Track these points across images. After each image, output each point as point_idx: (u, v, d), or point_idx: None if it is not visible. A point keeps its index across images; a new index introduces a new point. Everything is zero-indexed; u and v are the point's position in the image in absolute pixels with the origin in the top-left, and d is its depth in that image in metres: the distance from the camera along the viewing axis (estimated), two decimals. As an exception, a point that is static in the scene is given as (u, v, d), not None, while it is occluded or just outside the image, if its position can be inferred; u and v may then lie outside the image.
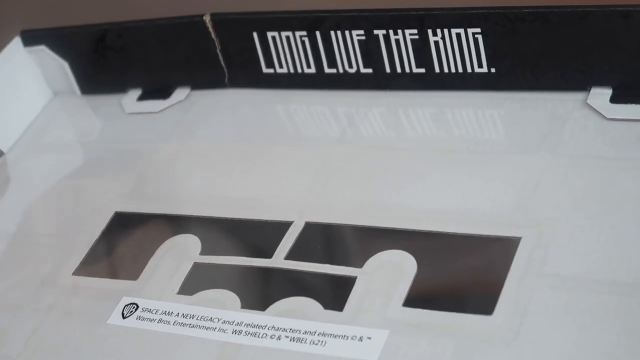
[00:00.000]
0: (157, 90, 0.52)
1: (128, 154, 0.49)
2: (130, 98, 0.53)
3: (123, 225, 0.45)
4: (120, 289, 0.42)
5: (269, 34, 0.48)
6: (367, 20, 0.46)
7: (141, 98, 0.52)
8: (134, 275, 0.42)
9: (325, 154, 0.45)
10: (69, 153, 0.52)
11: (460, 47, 0.44)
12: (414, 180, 0.42)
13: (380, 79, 0.47)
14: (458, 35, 0.44)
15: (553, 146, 0.41)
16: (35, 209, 0.48)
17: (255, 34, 0.48)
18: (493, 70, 0.44)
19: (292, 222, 0.42)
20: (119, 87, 0.53)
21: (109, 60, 0.52)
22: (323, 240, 0.42)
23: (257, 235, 0.43)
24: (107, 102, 0.53)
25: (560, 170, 0.40)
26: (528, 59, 0.43)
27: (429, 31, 0.45)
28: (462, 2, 0.44)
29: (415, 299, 0.37)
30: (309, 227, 0.42)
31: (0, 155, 0.52)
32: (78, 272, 0.44)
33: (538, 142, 0.42)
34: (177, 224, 0.44)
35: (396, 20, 0.45)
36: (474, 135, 0.45)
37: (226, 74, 0.50)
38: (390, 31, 0.45)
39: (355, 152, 0.45)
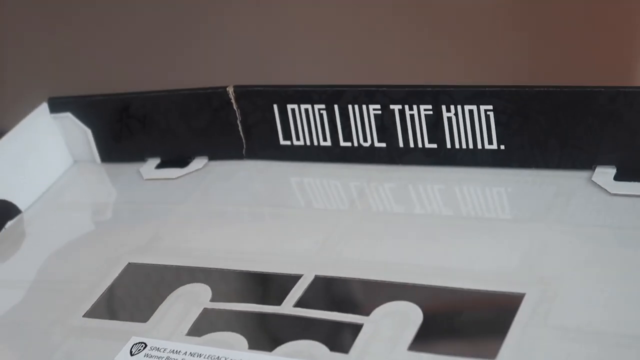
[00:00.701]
0: (175, 159, 0.54)
1: (143, 214, 0.51)
2: (149, 166, 0.54)
3: (136, 274, 0.46)
4: (130, 330, 0.43)
5: (289, 107, 0.50)
6: (384, 94, 0.48)
7: (159, 166, 0.54)
8: (143, 318, 0.43)
9: (335, 220, 0.47)
10: (85, 212, 0.53)
11: (472, 124, 0.46)
12: (422, 242, 0.44)
13: (393, 154, 0.49)
14: (471, 111, 0.46)
15: (558, 216, 0.43)
16: (51, 260, 0.49)
17: (275, 106, 0.51)
18: (502, 147, 0.46)
19: (302, 275, 0.43)
20: (139, 156, 0.55)
21: (131, 129, 0.54)
22: (331, 291, 0.43)
23: (267, 286, 0.44)
24: (126, 170, 0.55)
25: (565, 237, 0.41)
26: (536, 137, 0.45)
27: (443, 107, 0.47)
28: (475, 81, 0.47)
29: (420, 344, 0.38)
30: (318, 279, 0.43)
31: (18, 213, 0.54)
32: (88, 314, 0.44)
33: (544, 213, 0.43)
34: (189, 274, 0.45)
35: (412, 95, 0.47)
36: (482, 209, 0.46)
37: (244, 145, 0.52)
38: (406, 106, 0.48)
39: (365, 220, 0.47)
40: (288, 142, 0.51)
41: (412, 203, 0.48)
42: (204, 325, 0.42)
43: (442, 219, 0.46)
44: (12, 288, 0.48)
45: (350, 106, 0.49)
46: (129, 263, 0.47)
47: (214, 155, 0.53)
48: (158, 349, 0.41)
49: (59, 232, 0.52)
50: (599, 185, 0.44)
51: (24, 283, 0.48)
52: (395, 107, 0.48)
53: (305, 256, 0.44)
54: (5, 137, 0.54)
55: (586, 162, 0.45)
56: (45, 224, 0.53)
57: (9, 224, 0.53)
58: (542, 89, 0.45)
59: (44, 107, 0.56)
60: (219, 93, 0.52)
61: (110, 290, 0.46)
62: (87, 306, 0.45)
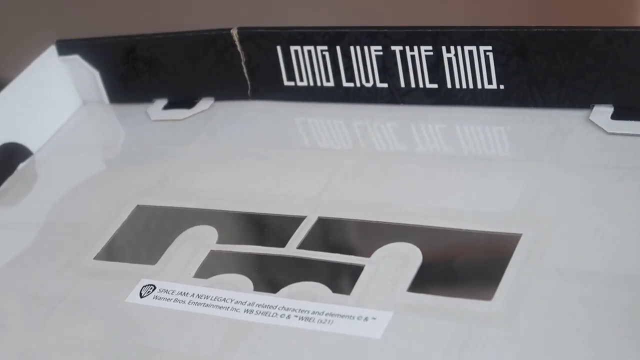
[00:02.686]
0: (182, 100, 0.55)
1: (151, 155, 0.52)
2: (156, 107, 0.55)
3: (144, 217, 0.48)
4: (139, 272, 0.44)
5: (292, 48, 0.51)
6: (385, 36, 0.48)
7: (167, 107, 0.55)
8: (152, 260, 0.44)
9: (338, 160, 0.48)
10: (95, 153, 0.55)
11: (472, 64, 0.47)
12: (422, 183, 0.45)
13: (395, 94, 0.49)
14: (470, 52, 0.47)
15: (556, 155, 0.44)
16: (62, 203, 0.51)
17: (279, 48, 0.51)
18: (502, 87, 0.47)
19: (306, 216, 0.44)
20: (146, 97, 0.56)
21: (137, 71, 0.55)
22: (334, 233, 0.44)
23: (271, 228, 0.45)
24: (134, 110, 0.56)
25: (561, 177, 0.42)
26: (535, 77, 0.46)
27: (443, 48, 0.47)
28: (475, 22, 0.47)
29: (420, 285, 0.39)
30: (321, 221, 0.44)
31: (29, 155, 0.55)
32: (99, 257, 0.46)
33: (542, 152, 0.44)
34: (196, 216, 0.46)
35: (412, 36, 0.48)
36: (481, 148, 0.47)
37: (249, 86, 0.53)
38: (407, 47, 0.48)
39: (367, 159, 0.48)
40: (292, 83, 0.52)
41: (414, 142, 0.49)
42: (210, 267, 0.43)
43: (443, 157, 0.47)
44: (23, 230, 0.50)
45: (352, 47, 0.49)
46: (138, 205, 0.48)
47: (219, 96, 0.54)
48: (167, 291, 0.42)
49: (70, 173, 0.53)
50: (596, 124, 0.44)
51: (36, 225, 0.50)
52: (396, 48, 0.48)
53: (309, 197, 0.45)
54: (15, 81, 0.55)
55: (584, 101, 0.45)
56: (56, 166, 0.54)
57: (21, 165, 0.54)
58: (540, 29, 0.45)
59: (52, 49, 0.57)
60: (223, 35, 0.52)
61: (120, 232, 0.47)
62: (97, 249, 0.46)
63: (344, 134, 0.51)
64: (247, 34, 0.52)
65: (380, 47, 0.49)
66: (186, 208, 0.47)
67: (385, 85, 0.49)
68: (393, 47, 0.48)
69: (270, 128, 0.52)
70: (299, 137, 0.51)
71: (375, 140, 0.49)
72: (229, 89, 0.53)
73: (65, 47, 0.57)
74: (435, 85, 0.48)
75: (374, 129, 0.50)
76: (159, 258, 0.44)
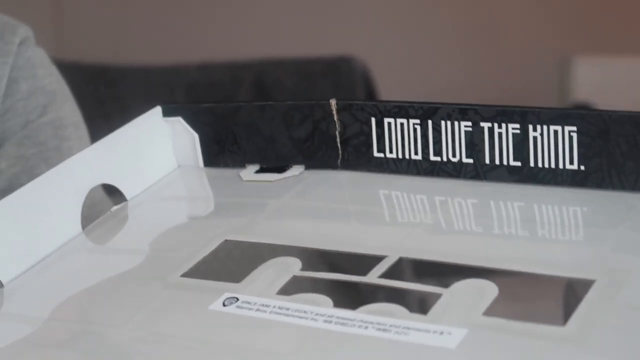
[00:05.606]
0: (273, 167, 0.58)
1: (241, 205, 0.55)
2: (249, 171, 0.59)
3: (230, 248, 0.50)
4: (223, 288, 0.46)
5: (386, 120, 0.54)
6: (476, 112, 0.52)
7: (258, 172, 0.58)
8: (236, 280, 0.47)
9: (416, 228, 0.50)
10: (186, 203, 0.58)
11: (556, 144, 0.50)
12: (502, 240, 0.47)
13: (479, 170, 0.52)
14: (555, 132, 0.50)
15: (632, 224, 0.46)
16: (151, 236, 0.54)
17: (373, 119, 0.55)
18: (582, 167, 0.50)
19: (387, 255, 0.46)
20: (240, 162, 0.59)
21: (235, 136, 0.59)
22: (414, 269, 0.46)
23: (354, 263, 0.47)
24: (227, 173, 0.59)
25: (637, 239, 0.44)
26: (615, 159, 0.49)
27: (530, 126, 0.51)
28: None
29: (495, 311, 0.41)
30: (402, 260, 0.46)
31: (124, 201, 0.58)
32: (186, 275, 0.48)
33: (618, 223, 0.46)
34: (281, 250, 0.49)
35: (502, 114, 0.51)
36: (557, 228, 0.49)
37: (340, 156, 0.56)
38: (495, 124, 0.51)
39: (445, 232, 0.50)
40: (381, 155, 0.55)
41: (492, 222, 0.51)
42: (293, 287, 0.45)
43: (518, 238, 0.49)
44: (111, 254, 0.52)
45: (443, 122, 0.53)
46: (226, 240, 0.51)
47: (310, 164, 0.57)
48: (249, 303, 0.44)
49: (161, 217, 0.56)
50: (671, 205, 0.47)
51: (125, 251, 0.52)
52: (485, 125, 0.52)
53: (390, 242, 0.48)
54: (119, 132, 0.59)
55: (661, 186, 0.48)
56: (148, 211, 0.57)
57: (115, 208, 0.57)
58: (625, 113, 0.48)
59: (158, 109, 0.61)
60: (322, 105, 0.56)
61: (206, 258, 0.49)
62: (185, 269, 0.48)
63: (425, 207, 0.53)
64: (345, 105, 0.56)
65: (470, 123, 0.52)
66: (272, 244, 0.50)
67: (471, 160, 0.52)
68: (482, 124, 0.52)
69: (354, 197, 0.55)
70: (380, 208, 0.54)
71: (453, 217, 0.52)
72: (321, 157, 0.57)
73: (170, 110, 0.61)
74: (518, 163, 0.51)
75: (454, 204, 0.52)
76: (243, 279, 0.47)
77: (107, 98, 1.78)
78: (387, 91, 1.94)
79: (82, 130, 0.96)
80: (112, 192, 0.59)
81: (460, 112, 0.52)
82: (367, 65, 1.95)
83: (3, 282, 0.50)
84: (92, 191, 0.56)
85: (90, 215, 0.56)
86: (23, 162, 0.89)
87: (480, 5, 2.14)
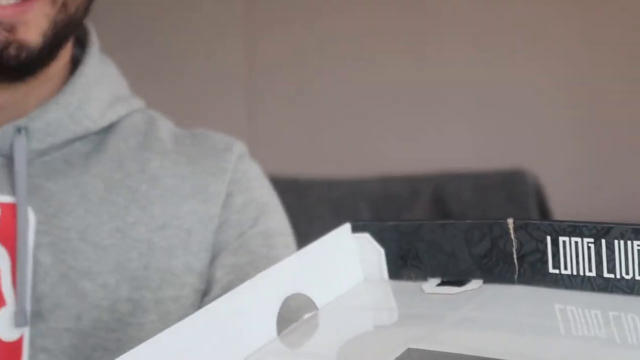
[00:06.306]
0: (454, 280, 0.62)
1: (423, 316, 0.59)
2: (430, 284, 0.63)
3: (414, 356, 0.54)
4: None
5: (561, 239, 0.58)
6: (648, 232, 0.55)
7: (439, 285, 0.63)
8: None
9: (592, 342, 0.53)
10: (373, 313, 0.62)
11: None
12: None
13: (652, 287, 0.55)
14: None
15: None
16: (340, 342, 0.58)
17: (548, 238, 0.58)
18: None
19: (561, 367, 0.49)
20: (422, 275, 0.64)
21: (417, 251, 0.64)
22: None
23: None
24: (410, 287, 0.64)
25: None
26: None
27: (701, 246, 0.53)
28: None
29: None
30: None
31: (315, 309, 0.63)
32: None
33: None
34: (460, 359, 0.52)
35: (674, 235, 0.54)
36: None
37: (516, 271, 0.60)
38: (666, 244, 0.54)
39: (620, 346, 0.53)
40: (556, 271, 0.58)
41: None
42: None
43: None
44: (305, 358, 0.57)
45: (616, 241, 0.56)
46: (409, 348, 0.55)
47: (488, 279, 0.61)
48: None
49: (349, 325, 0.61)
50: None
51: (317, 356, 0.57)
52: (657, 245, 0.55)
53: (566, 354, 0.51)
54: (313, 245, 0.65)
55: None
56: (337, 319, 0.62)
57: (307, 315, 0.63)
58: None
59: (347, 226, 0.67)
60: (500, 224, 0.60)
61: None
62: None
63: (599, 322, 0.56)
64: (521, 225, 0.60)
65: (642, 243, 0.55)
66: (452, 352, 0.53)
67: (643, 278, 0.55)
68: (654, 244, 0.55)
69: (529, 311, 0.59)
70: (555, 321, 0.57)
71: (627, 332, 0.55)
72: (498, 273, 0.61)
73: (358, 226, 0.66)
74: (691, 281, 0.54)
75: (628, 320, 0.55)
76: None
77: (296, 207, 1.87)
78: (557, 202, 1.96)
79: (289, 237, 1.03)
80: (306, 301, 0.64)
81: (633, 231, 0.55)
82: (538, 178, 1.98)
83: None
84: (288, 299, 0.61)
85: (285, 321, 0.61)
86: (237, 271, 0.96)
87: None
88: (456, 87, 2.52)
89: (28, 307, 0.88)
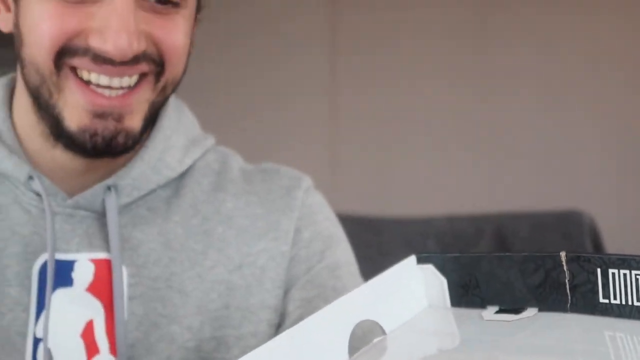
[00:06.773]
0: (511, 308, 0.67)
1: (482, 341, 0.64)
2: (489, 312, 0.68)
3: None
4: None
5: (610, 271, 0.63)
6: (691, 265, 0.60)
7: (497, 312, 0.68)
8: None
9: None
10: (436, 338, 0.68)
11: None
12: None
13: (694, 316, 0.60)
14: None
15: None
16: (406, 363, 0.64)
17: (599, 270, 0.63)
18: None
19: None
20: (481, 303, 0.69)
21: (478, 281, 0.69)
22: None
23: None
24: (471, 314, 0.69)
25: None
26: None
27: None
28: None
29: None
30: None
31: (384, 334, 0.69)
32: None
33: None
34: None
35: None
36: None
37: (569, 301, 0.65)
38: None
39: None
40: (606, 301, 0.63)
41: None
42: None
43: None
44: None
45: (662, 274, 0.61)
46: (468, 369, 0.60)
47: (543, 307, 0.66)
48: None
49: (414, 349, 0.66)
50: None
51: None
52: (699, 277, 0.59)
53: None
54: (382, 276, 0.71)
55: None
56: (404, 343, 0.68)
57: (376, 340, 0.68)
58: None
59: (412, 258, 0.72)
60: (553, 257, 0.66)
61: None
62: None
63: (647, 349, 0.61)
64: (573, 257, 0.65)
65: (685, 275, 0.60)
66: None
67: (686, 307, 0.60)
68: (696, 276, 0.59)
69: (582, 338, 0.64)
70: (606, 347, 0.62)
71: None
72: (552, 302, 0.66)
73: (423, 258, 0.72)
74: None
75: (673, 346, 0.60)
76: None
77: (371, 243, 1.94)
78: (611, 242, 2.01)
79: (353, 265, 1.09)
80: (374, 327, 0.69)
81: (676, 266, 0.60)
82: (594, 219, 2.03)
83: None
84: (358, 325, 0.67)
85: (356, 345, 0.67)
86: (306, 304, 1.02)
87: None
88: (518, 133, 2.60)
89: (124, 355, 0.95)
